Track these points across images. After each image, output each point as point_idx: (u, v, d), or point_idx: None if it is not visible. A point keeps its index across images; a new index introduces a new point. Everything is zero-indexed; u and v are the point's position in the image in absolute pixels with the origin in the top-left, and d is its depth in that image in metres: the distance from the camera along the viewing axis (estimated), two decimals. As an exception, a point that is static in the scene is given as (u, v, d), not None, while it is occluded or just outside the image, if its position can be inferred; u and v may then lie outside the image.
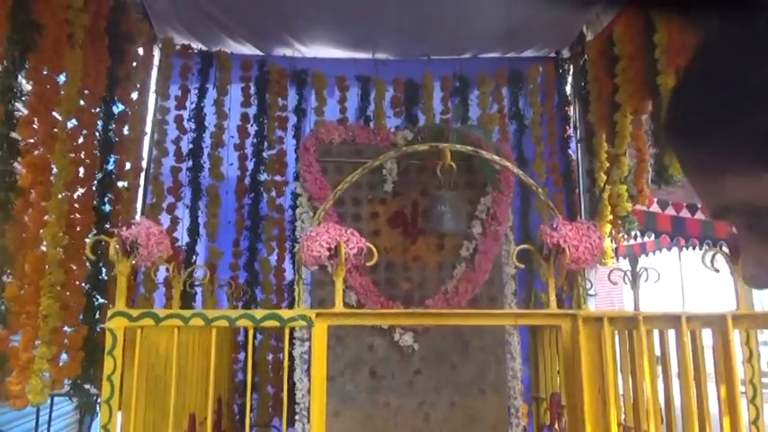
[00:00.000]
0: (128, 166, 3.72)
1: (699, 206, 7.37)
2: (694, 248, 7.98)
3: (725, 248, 1.86)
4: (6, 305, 2.51)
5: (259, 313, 1.70)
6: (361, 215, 2.52)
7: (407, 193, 2.59)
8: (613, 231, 4.23)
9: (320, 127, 2.59)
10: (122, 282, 1.69)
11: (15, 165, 2.62)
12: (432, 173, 2.62)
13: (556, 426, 3.14)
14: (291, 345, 3.76)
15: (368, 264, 1.74)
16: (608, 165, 4.24)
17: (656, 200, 7.19)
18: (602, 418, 1.73)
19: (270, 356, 4.13)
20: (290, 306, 3.90)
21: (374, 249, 1.75)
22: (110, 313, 1.65)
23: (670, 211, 7.72)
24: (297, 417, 2.39)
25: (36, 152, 2.69)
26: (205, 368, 2.62)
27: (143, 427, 1.79)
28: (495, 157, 1.88)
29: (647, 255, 9.30)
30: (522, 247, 1.83)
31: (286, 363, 1.74)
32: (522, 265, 1.82)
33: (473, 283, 2.46)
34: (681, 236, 7.90)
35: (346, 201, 2.50)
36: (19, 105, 2.64)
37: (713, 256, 1.90)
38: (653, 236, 8.05)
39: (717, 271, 1.86)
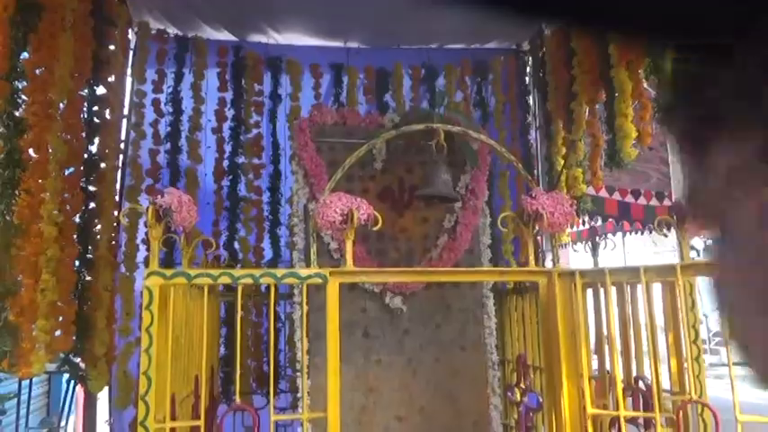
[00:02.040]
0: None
1: (642, 191, 7.95)
2: (638, 233, 8.56)
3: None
4: (16, 280, 2.61)
5: (280, 272, 1.92)
6: (353, 190, 2.75)
7: (395, 171, 2.84)
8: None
9: (314, 110, 2.80)
10: (155, 246, 1.87)
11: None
12: (416, 151, 2.89)
13: (522, 384, 3.48)
14: (278, 309, 3.95)
15: (374, 228, 1.98)
16: (565, 150, 4.61)
17: (604, 186, 7.70)
18: (575, 366, 2.04)
19: (249, 332, 4.30)
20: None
21: (379, 217, 2.00)
22: (146, 273, 1.83)
23: (616, 196, 8.22)
24: (298, 373, 2.61)
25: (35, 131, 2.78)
26: (208, 336, 2.81)
27: (169, 381, 1.97)
28: (482, 137, 2.16)
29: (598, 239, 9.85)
30: (505, 214, 2.11)
31: (304, 319, 1.95)
32: (505, 228, 2.10)
33: (455, 252, 2.75)
34: (626, 219, 8.43)
35: (340, 177, 2.73)
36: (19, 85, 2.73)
37: (660, 223, 2.25)
38: (599, 221, 8.61)
39: (665, 235, 2.20)
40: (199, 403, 2.71)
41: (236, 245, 4.36)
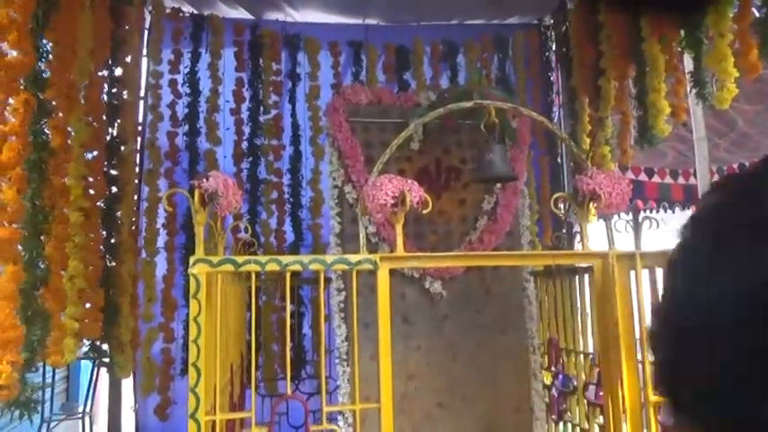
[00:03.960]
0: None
1: (655, 170, 7.84)
2: (651, 211, 8.45)
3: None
4: (46, 265, 2.54)
5: (329, 258, 1.84)
6: (388, 172, 2.66)
7: (432, 152, 2.75)
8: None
9: (347, 89, 2.70)
10: (200, 231, 1.79)
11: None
12: (453, 131, 2.79)
13: (553, 367, 3.42)
14: (301, 293, 3.88)
15: (424, 211, 1.89)
16: (591, 128, 4.50)
17: (615, 165, 7.60)
18: (634, 353, 1.96)
19: (274, 317, 4.25)
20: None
21: (429, 199, 1.91)
22: (192, 260, 1.75)
23: (629, 174, 8.10)
24: (337, 361, 2.56)
25: (59, 114, 2.69)
26: (239, 324, 2.76)
27: (218, 371, 1.90)
28: (533, 113, 2.06)
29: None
30: (558, 195, 2.03)
31: (355, 307, 1.87)
32: (558, 211, 2.02)
33: (495, 234, 2.67)
34: (640, 198, 8.32)
35: (375, 158, 2.64)
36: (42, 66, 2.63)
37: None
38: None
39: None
40: (234, 391, 2.68)
41: (258, 228, 4.29)
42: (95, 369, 4.24)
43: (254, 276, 1.83)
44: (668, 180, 7.94)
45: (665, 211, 8.41)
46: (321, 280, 1.87)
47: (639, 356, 1.97)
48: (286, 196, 4.38)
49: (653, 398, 1.87)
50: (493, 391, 2.71)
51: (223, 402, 2.20)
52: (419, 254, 2.01)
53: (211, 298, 1.83)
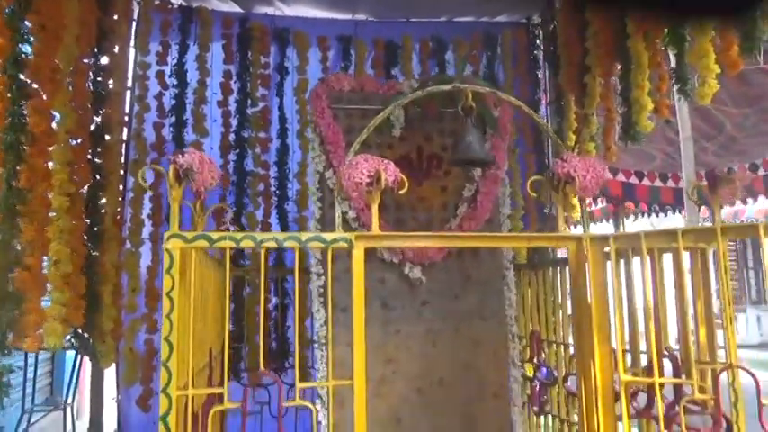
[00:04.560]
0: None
1: (645, 173, 7.90)
2: (643, 215, 8.48)
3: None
4: (23, 247, 2.54)
5: (304, 235, 1.85)
6: (370, 159, 2.68)
7: (413, 139, 2.77)
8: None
9: (331, 76, 2.72)
10: (175, 207, 1.80)
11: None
12: (434, 119, 2.81)
13: (535, 359, 3.43)
14: (285, 285, 3.89)
15: (401, 192, 1.91)
16: (576, 125, 4.54)
17: (606, 167, 7.64)
18: (607, 334, 1.98)
19: (258, 308, 4.25)
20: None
21: (405, 179, 1.93)
22: (166, 236, 1.76)
23: (620, 177, 8.15)
24: (316, 345, 2.56)
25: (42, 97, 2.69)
26: (220, 310, 2.76)
27: (191, 348, 1.90)
28: (512, 98, 2.08)
29: (594, 223, 9.77)
30: (535, 177, 2.05)
31: (329, 285, 1.88)
32: (534, 193, 2.04)
33: (475, 221, 2.69)
34: (631, 200, 8.36)
35: (356, 146, 2.66)
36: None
37: (694, 189, 2.19)
38: (601, 204, 8.54)
39: (699, 204, 2.14)
40: (214, 376, 2.67)
41: (244, 220, 4.29)
42: (78, 359, 4.22)
43: (228, 253, 1.84)
44: (658, 183, 7.99)
45: (657, 216, 8.46)
46: (296, 258, 1.88)
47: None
48: (273, 189, 4.39)
49: (624, 377, 1.89)
50: (471, 377, 2.72)
51: (200, 384, 2.21)
52: (394, 233, 2.03)
53: (186, 275, 1.84)
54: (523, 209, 4.60)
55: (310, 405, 1.81)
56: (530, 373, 3.42)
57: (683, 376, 1.94)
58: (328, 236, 1.86)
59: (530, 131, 4.86)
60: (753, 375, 1.73)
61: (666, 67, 3.76)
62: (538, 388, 3.44)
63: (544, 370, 3.31)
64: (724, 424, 1.90)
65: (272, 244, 1.82)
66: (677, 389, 1.99)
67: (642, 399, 2.18)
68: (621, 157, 7.00)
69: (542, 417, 3.31)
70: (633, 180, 8.05)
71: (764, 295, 14.13)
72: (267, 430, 3.50)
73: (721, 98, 5.66)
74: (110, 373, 4.02)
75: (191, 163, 1.74)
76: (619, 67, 4.04)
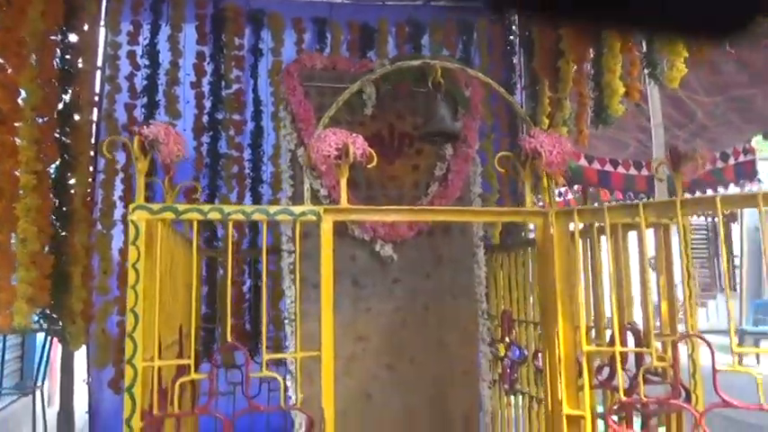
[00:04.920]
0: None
1: (620, 161, 8.02)
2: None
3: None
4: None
5: (272, 208, 1.85)
6: (342, 137, 2.68)
7: (385, 117, 2.78)
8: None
9: (303, 54, 2.71)
10: (141, 180, 1.78)
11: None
12: (406, 98, 2.82)
13: (506, 338, 3.49)
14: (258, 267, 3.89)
15: (369, 165, 1.92)
16: (550, 109, 4.59)
17: (583, 155, 7.73)
18: (571, 306, 2.02)
19: (231, 290, 4.23)
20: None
21: (374, 154, 1.94)
22: (131, 207, 1.75)
23: (596, 165, 8.26)
24: (286, 321, 2.57)
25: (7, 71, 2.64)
26: (190, 288, 2.74)
27: (157, 321, 1.90)
28: (480, 75, 2.10)
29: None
30: (503, 153, 2.07)
31: (298, 258, 1.89)
32: (503, 169, 2.06)
33: (446, 200, 2.71)
34: (606, 188, 8.47)
35: (328, 122, 2.65)
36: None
37: (658, 166, 2.23)
38: (577, 194, 8.66)
39: (662, 180, 2.18)
40: (184, 352, 2.66)
41: (217, 203, 4.26)
42: (48, 342, 4.17)
43: (196, 225, 1.83)
44: (632, 171, 8.12)
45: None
46: (264, 232, 1.88)
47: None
48: (247, 171, 4.36)
49: (586, 348, 1.93)
50: (441, 354, 2.75)
51: (169, 358, 2.19)
52: (362, 206, 2.04)
53: (152, 248, 1.83)
54: (498, 192, 4.64)
55: (277, 376, 1.82)
56: (502, 352, 3.47)
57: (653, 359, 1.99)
58: (296, 209, 1.86)
59: (505, 116, 4.89)
60: (708, 344, 1.78)
61: (637, 51, 3.82)
62: (509, 367, 3.50)
63: (516, 349, 3.37)
64: (683, 393, 1.96)
65: (240, 216, 1.82)
66: (639, 361, 2.04)
67: (607, 373, 2.24)
68: (597, 144, 7.10)
69: (513, 395, 3.37)
70: (608, 168, 8.16)
71: (733, 283, 14.48)
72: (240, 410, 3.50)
73: (693, 86, 5.74)
74: (81, 356, 3.97)
75: (156, 134, 1.73)
76: (592, 52, 4.10)
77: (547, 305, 2.05)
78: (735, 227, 13.00)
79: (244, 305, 4.19)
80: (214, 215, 1.80)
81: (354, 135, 1.89)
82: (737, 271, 12.67)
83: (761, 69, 5.14)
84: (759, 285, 12.09)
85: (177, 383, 1.79)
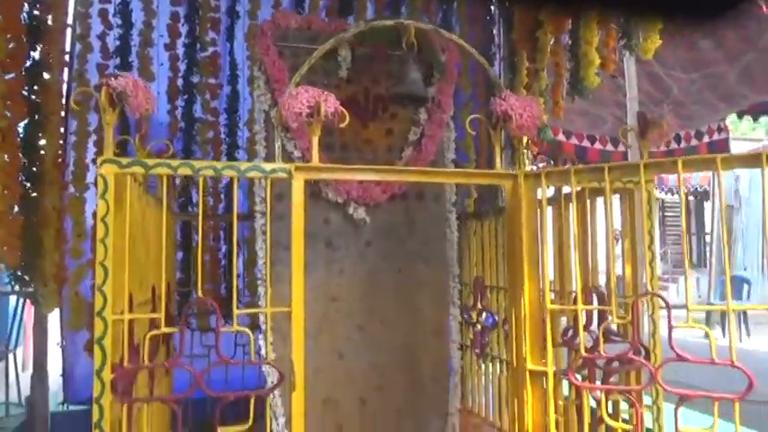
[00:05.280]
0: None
1: (597, 137, 8.11)
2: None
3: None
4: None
5: (243, 164, 1.86)
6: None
7: (360, 81, 2.77)
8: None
9: (277, 14, 2.68)
10: (110, 132, 1.77)
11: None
12: (382, 60, 2.81)
13: (478, 305, 3.56)
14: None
15: (341, 125, 1.92)
16: (528, 80, 4.61)
17: (561, 130, 7.80)
18: (537, 265, 2.07)
19: (207, 257, 4.22)
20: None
21: (346, 113, 1.94)
22: (100, 161, 1.74)
23: (573, 140, 8.33)
24: (259, 282, 2.59)
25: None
26: (165, 246, 2.73)
27: (126, 275, 1.90)
28: (453, 36, 2.11)
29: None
30: (473, 116, 2.09)
31: (269, 214, 1.90)
32: (474, 132, 2.09)
33: (420, 164, 2.72)
34: (583, 162, 8.56)
35: (302, 83, 2.64)
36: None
37: (624, 132, 2.28)
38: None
39: (628, 146, 2.22)
40: (157, 311, 2.66)
41: (192, 168, 4.22)
42: (21, 304, 4.14)
43: (165, 181, 1.83)
44: (609, 147, 8.22)
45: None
46: (234, 188, 1.89)
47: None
48: (222, 136, 4.30)
49: (550, 306, 1.99)
50: (412, 317, 2.81)
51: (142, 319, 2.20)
52: (333, 165, 2.05)
53: (122, 204, 1.82)
54: (475, 162, 4.67)
55: (247, 330, 1.85)
56: (474, 318, 3.55)
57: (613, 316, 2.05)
58: (267, 165, 1.87)
59: (483, 87, 4.89)
60: (666, 302, 1.85)
61: (614, 24, 3.85)
62: (480, 332, 3.58)
63: (489, 317, 3.45)
64: (642, 351, 2.04)
65: (210, 172, 1.82)
66: (600, 321, 2.11)
67: (571, 334, 2.31)
68: (575, 119, 7.16)
69: (483, 360, 3.46)
70: (586, 144, 8.25)
71: (703, 259, 14.84)
72: (214, 373, 3.53)
73: (669, 62, 5.79)
74: (54, 319, 3.95)
75: (123, 86, 1.71)
76: (570, 23, 4.11)
77: (514, 266, 2.10)
78: (707, 205, 13.30)
79: (219, 270, 4.19)
80: (184, 170, 1.80)
81: (326, 93, 1.89)
82: (708, 248, 13.00)
83: (735, 47, 5.20)
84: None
85: (148, 336, 1.81)
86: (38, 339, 3.95)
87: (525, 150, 2.14)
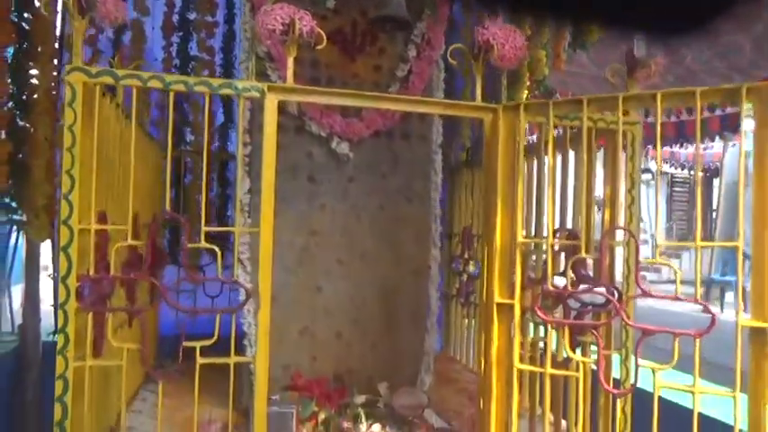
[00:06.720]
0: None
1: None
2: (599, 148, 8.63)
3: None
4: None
5: (216, 81, 1.83)
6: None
7: (348, 13, 2.71)
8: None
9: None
10: (78, 40, 1.75)
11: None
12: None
13: (465, 254, 3.57)
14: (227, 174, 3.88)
15: (317, 47, 1.89)
16: (530, 32, 4.50)
17: (570, 93, 7.66)
18: (512, 198, 2.04)
19: (198, 197, 4.23)
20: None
21: (323, 33, 1.90)
22: (67, 69, 1.72)
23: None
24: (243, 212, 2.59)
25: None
26: (146, 180, 2.74)
27: (94, 190, 1.89)
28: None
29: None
30: (455, 45, 2.05)
31: (241, 130, 1.88)
32: (455, 62, 2.05)
33: (405, 101, 2.68)
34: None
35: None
36: None
37: (613, 71, 2.22)
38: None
39: (614, 85, 2.18)
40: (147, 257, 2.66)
41: (186, 106, 4.19)
42: (14, 232, 4.18)
43: (135, 93, 1.81)
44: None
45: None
46: (207, 102, 1.87)
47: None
48: (218, 75, 4.26)
49: (521, 239, 1.98)
50: (393, 254, 2.81)
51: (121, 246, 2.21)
52: (307, 87, 2.02)
53: (92, 117, 1.81)
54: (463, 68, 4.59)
55: (214, 247, 1.85)
56: (462, 267, 3.57)
57: (583, 251, 2.03)
58: (240, 83, 1.84)
59: (485, 38, 4.79)
60: (633, 236, 1.83)
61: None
62: (465, 281, 3.60)
63: (476, 266, 3.46)
64: (615, 293, 2.03)
65: (181, 87, 1.80)
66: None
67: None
68: (585, 84, 7.02)
69: (468, 308, 3.49)
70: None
71: (709, 236, 14.72)
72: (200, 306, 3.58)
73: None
74: (47, 251, 4.00)
75: (93, -9, 1.68)
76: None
77: (489, 200, 2.08)
78: (716, 182, 13.12)
79: (212, 210, 4.21)
80: (155, 83, 1.78)
81: (302, 11, 1.84)
82: (713, 224, 12.88)
83: (748, 16, 5.04)
84: (732, 238, 12.35)
85: (114, 249, 1.82)
86: (30, 271, 4.00)
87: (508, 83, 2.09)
